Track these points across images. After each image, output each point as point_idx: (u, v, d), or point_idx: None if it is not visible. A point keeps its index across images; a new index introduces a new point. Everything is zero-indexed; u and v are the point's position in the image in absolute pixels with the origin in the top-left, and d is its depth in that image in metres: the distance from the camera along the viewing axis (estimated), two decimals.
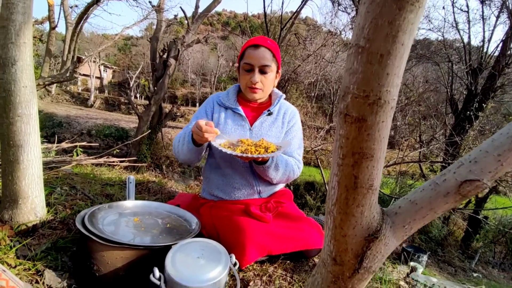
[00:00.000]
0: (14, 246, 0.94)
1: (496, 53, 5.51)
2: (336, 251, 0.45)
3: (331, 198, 0.42)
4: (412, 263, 1.41)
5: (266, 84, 1.16)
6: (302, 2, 7.45)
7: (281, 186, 1.31)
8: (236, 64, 1.23)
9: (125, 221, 1.05)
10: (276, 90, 1.29)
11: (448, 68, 6.30)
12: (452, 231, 5.91)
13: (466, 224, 5.23)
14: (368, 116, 0.35)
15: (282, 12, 8.18)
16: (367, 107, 0.34)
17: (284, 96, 1.27)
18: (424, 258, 3.93)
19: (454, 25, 6.10)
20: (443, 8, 6.60)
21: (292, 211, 1.16)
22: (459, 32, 6.11)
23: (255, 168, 1.12)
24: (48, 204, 1.20)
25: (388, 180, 6.41)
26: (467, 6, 6.22)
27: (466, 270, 4.05)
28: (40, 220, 1.11)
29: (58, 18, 6.49)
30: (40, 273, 0.83)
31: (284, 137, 1.22)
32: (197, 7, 7.17)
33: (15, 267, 0.85)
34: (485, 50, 5.70)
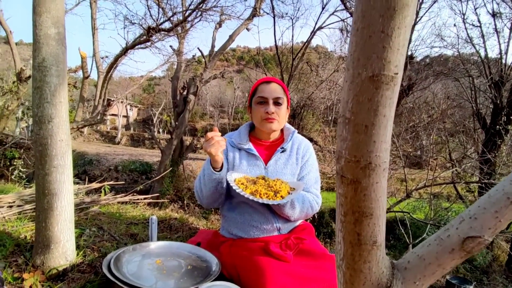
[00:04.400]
0: None
1: None
2: None
3: (338, 253, 0.42)
4: None
5: (281, 115, 1.19)
6: (311, 33, 7.79)
7: (301, 220, 1.28)
8: (247, 104, 1.27)
9: (148, 263, 1.07)
10: (287, 125, 1.30)
11: (469, 83, 6.10)
12: (497, 256, 5.31)
13: (509, 247, 4.70)
14: (362, 179, 0.36)
15: (292, 44, 8.55)
16: (359, 170, 0.36)
17: (296, 131, 1.28)
18: None
19: (469, 40, 6.02)
20: (454, 25, 6.59)
21: (314, 248, 1.12)
22: (474, 47, 6.00)
23: (271, 206, 1.11)
24: (77, 247, 1.26)
25: (421, 204, 5.95)
26: (479, 21, 6.16)
27: None
28: (70, 264, 1.16)
29: (91, 68, 7.25)
30: None
31: (300, 172, 1.21)
32: (213, 46, 7.71)
33: None
34: (504, 62, 5.51)
